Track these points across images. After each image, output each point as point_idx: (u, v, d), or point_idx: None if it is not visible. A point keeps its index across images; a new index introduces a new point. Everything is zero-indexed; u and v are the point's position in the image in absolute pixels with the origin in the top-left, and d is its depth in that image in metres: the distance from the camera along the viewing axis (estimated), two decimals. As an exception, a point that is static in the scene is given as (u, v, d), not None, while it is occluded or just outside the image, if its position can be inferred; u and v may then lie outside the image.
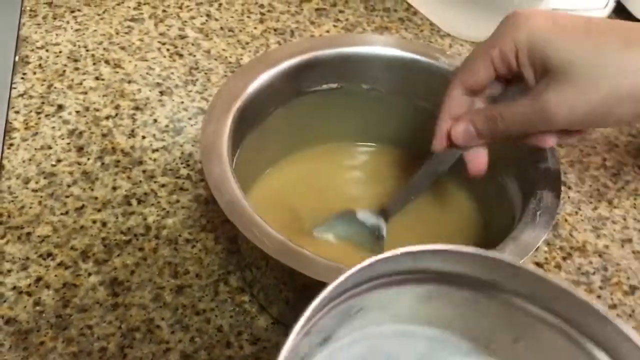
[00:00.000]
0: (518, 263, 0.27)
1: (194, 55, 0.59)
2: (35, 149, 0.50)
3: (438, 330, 0.30)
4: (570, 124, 0.35)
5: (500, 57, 0.37)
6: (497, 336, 0.29)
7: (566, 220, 0.51)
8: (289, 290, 0.41)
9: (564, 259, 0.48)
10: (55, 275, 0.43)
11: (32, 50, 0.58)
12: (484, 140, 0.39)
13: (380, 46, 0.48)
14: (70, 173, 0.49)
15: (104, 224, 0.46)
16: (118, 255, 0.44)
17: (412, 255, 0.26)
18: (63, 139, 0.51)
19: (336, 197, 0.49)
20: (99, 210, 0.47)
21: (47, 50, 0.58)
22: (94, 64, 0.57)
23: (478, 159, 0.41)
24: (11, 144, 0.50)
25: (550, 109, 0.35)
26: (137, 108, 0.54)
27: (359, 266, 0.24)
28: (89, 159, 0.50)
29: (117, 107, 0.54)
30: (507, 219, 0.42)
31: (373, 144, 0.53)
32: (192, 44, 0.61)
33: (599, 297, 0.46)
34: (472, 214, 0.48)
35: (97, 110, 0.53)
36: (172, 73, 0.57)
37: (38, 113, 0.53)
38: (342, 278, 0.24)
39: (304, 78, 0.47)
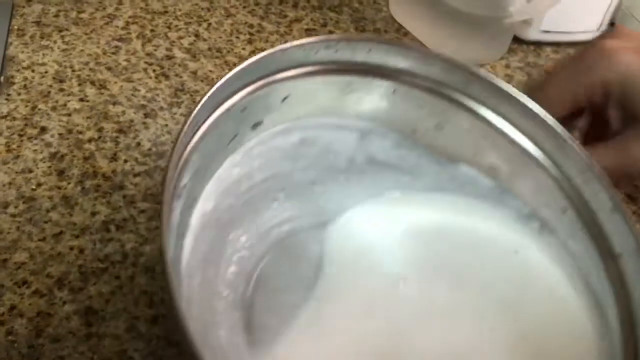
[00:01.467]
0: (431, 52, 0.30)
1: (181, 77, 0.59)
2: (16, 172, 0.50)
3: (366, 122, 0.31)
4: None
5: (585, 94, 0.34)
6: (420, 124, 0.31)
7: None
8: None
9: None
10: (30, 304, 0.43)
11: (18, 70, 0.58)
12: None
13: None
14: (50, 198, 0.48)
15: (82, 251, 0.46)
16: (94, 284, 0.44)
17: (331, 46, 0.28)
18: (44, 162, 0.51)
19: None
20: (77, 237, 0.46)
21: (32, 71, 0.58)
22: (80, 84, 0.57)
23: None
24: (-8, 167, 0.50)
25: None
26: (120, 131, 0.54)
27: (272, 50, 0.27)
28: (69, 183, 0.50)
29: (100, 129, 0.54)
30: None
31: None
32: (179, 65, 0.60)
33: None
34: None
35: (80, 132, 0.53)
36: (158, 95, 0.57)
37: (20, 135, 0.52)
38: (256, 57, 0.26)
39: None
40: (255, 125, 0.29)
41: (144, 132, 0.54)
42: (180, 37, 0.63)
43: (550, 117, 0.30)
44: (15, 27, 0.62)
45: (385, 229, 0.33)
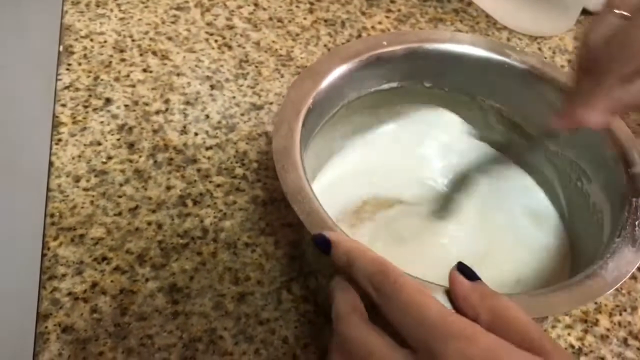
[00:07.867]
0: None
1: (244, 47, 0.57)
2: (85, 145, 0.48)
3: None
4: None
5: None
6: None
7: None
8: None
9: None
10: (112, 281, 0.41)
11: (76, 39, 0.55)
12: None
13: (447, 43, 0.46)
14: (122, 171, 0.47)
15: (160, 226, 0.44)
16: (176, 260, 0.42)
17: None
18: (113, 134, 0.49)
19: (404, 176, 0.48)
20: (154, 211, 0.45)
21: (91, 40, 0.56)
22: (141, 54, 0.55)
23: None
24: (59, 139, 0.48)
25: None
26: (187, 102, 0.52)
27: None
28: (140, 156, 0.48)
29: (166, 101, 0.52)
30: (594, 228, 0.40)
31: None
32: (241, 35, 0.58)
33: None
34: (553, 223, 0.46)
35: (147, 104, 0.51)
36: (222, 66, 0.55)
37: (85, 107, 0.50)
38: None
39: (367, 77, 0.45)
40: None
41: (212, 104, 0.52)
42: (240, 6, 0.61)
43: None
44: (70, -5, 0.59)
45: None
